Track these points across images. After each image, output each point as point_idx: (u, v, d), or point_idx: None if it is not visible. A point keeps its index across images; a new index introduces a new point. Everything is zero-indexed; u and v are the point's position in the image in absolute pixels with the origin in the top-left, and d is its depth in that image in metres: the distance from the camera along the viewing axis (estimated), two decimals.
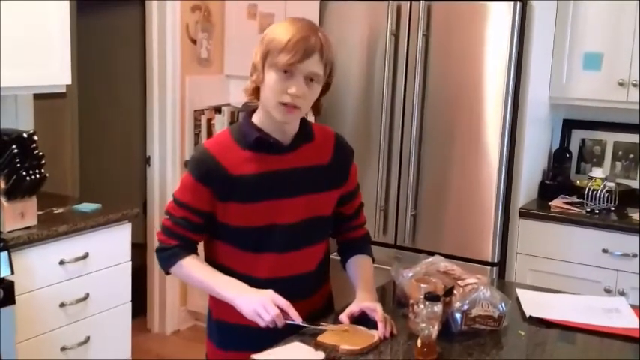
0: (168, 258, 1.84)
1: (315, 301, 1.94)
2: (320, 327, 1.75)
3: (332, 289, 2.05)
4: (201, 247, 1.90)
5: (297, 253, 1.85)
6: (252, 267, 1.82)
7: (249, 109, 1.86)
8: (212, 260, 1.87)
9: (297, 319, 1.71)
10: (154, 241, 4.08)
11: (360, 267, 1.97)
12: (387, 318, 1.78)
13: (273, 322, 1.68)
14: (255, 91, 1.78)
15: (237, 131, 1.82)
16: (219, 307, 1.86)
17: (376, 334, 1.72)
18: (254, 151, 1.78)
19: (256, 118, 1.82)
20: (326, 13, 3.36)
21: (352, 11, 3.33)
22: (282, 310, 1.70)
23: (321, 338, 1.70)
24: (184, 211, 1.79)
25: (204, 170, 1.77)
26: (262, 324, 1.69)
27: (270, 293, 1.72)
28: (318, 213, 1.86)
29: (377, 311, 1.78)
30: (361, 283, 1.91)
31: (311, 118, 1.93)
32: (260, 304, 1.69)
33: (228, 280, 1.79)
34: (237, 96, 4.26)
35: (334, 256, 2.02)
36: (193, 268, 1.82)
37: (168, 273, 1.88)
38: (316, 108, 1.83)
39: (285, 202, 1.80)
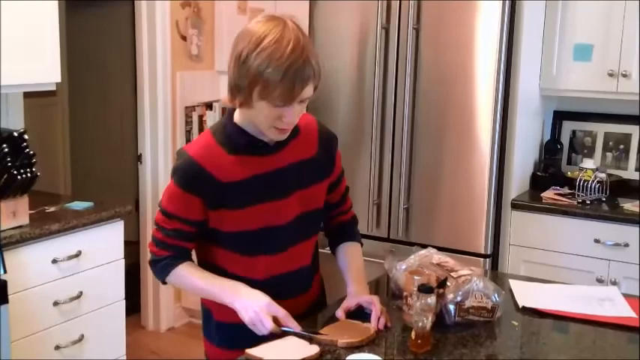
0: (163, 269, 1.79)
1: (312, 292, 1.94)
2: (318, 334, 1.71)
3: (322, 278, 2.04)
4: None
5: (293, 250, 1.82)
6: (250, 269, 1.78)
7: (231, 109, 1.77)
8: (210, 263, 1.82)
9: (295, 328, 1.68)
10: (147, 238, 4.08)
11: (350, 256, 1.95)
12: (383, 310, 1.78)
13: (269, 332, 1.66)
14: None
15: (220, 134, 1.74)
16: (218, 308, 1.81)
17: (371, 327, 1.73)
18: (241, 155, 1.72)
19: (240, 119, 1.74)
20: (316, 8, 3.36)
21: (342, 6, 3.33)
22: (278, 320, 1.67)
23: (317, 335, 1.70)
24: (175, 222, 1.73)
25: (191, 180, 1.70)
26: (259, 334, 1.67)
27: (264, 304, 1.67)
28: (310, 207, 1.83)
29: (374, 304, 1.78)
30: (352, 274, 1.90)
31: None
32: (256, 316, 1.65)
33: (223, 285, 1.75)
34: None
35: (326, 250, 2.03)
36: (188, 275, 1.78)
37: (165, 283, 1.83)
38: None
39: (278, 203, 1.75)
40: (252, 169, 1.72)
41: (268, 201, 1.74)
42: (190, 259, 1.81)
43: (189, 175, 1.70)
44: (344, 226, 2.01)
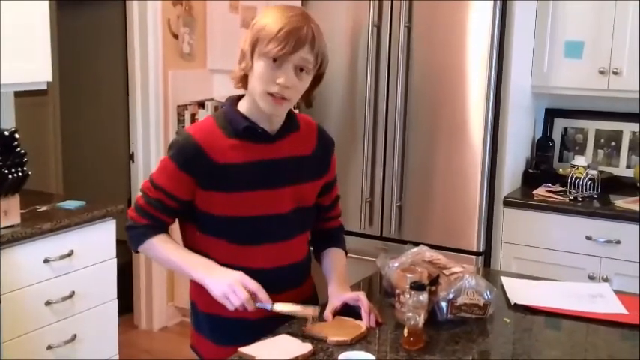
0: (138, 237, 1.81)
1: (305, 290, 1.94)
2: (296, 309, 1.73)
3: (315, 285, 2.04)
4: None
5: (284, 244, 1.83)
6: (238, 258, 1.78)
7: (234, 97, 1.83)
8: (195, 250, 1.82)
9: (267, 302, 1.69)
10: None
11: (334, 260, 1.96)
12: (372, 306, 1.78)
13: (242, 305, 1.66)
14: (243, 79, 1.75)
15: (222, 119, 1.78)
16: (206, 299, 1.81)
17: (363, 325, 1.73)
18: (240, 140, 1.75)
19: (242, 107, 1.79)
20: (308, 7, 3.35)
21: (334, 5, 3.33)
22: (251, 294, 1.68)
23: (308, 328, 1.70)
24: (160, 193, 1.76)
25: (188, 158, 1.73)
26: (231, 307, 1.67)
27: (238, 275, 1.70)
28: (303, 204, 1.85)
29: (362, 300, 1.78)
30: (335, 275, 1.91)
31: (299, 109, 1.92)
32: (229, 287, 1.67)
33: (197, 260, 1.77)
34: (221, 90, 4.25)
35: None
36: (163, 247, 1.80)
37: (137, 252, 1.86)
38: (307, 99, 1.82)
39: (272, 192, 1.78)
40: (250, 155, 1.75)
41: (262, 189, 1.76)
42: (167, 233, 1.83)
43: (186, 152, 1.74)
44: (332, 232, 2.03)
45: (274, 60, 1.66)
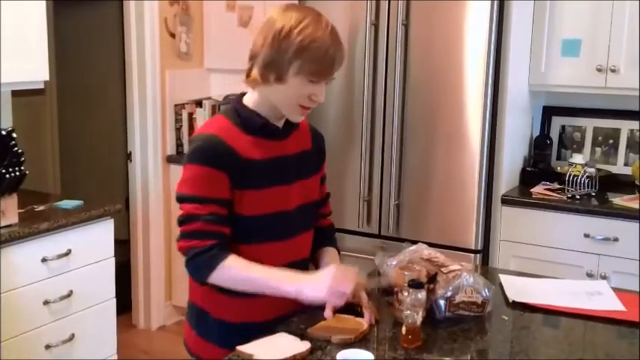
0: (208, 262, 1.67)
1: None
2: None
3: None
4: None
5: (296, 240, 1.85)
6: (256, 258, 1.75)
7: (239, 95, 1.82)
8: None
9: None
10: (137, 237, 4.07)
11: (331, 260, 1.96)
12: (369, 304, 1.78)
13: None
14: (258, 83, 1.72)
15: (235, 116, 1.76)
16: (218, 306, 1.80)
17: (364, 322, 1.73)
18: (255, 137, 1.75)
19: (251, 103, 1.77)
20: (306, 4, 3.35)
21: (332, 4, 3.32)
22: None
23: (311, 330, 1.70)
24: (210, 205, 1.67)
25: (217, 155, 1.68)
26: (338, 305, 1.71)
27: (331, 280, 1.68)
28: (309, 199, 1.88)
29: (361, 297, 1.78)
30: None
31: None
32: (328, 292, 1.67)
33: (281, 274, 1.72)
34: (218, 89, 4.24)
35: None
36: (241, 267, 1.69)
37: (204, 283, 1.72)
38: None
39: (286, 188, 1.80)
40: (265, 152, 1.77)
41: (280, 184, 1.78)
42: (231, 252, 1.72)
43: (214, 150, 1.69)
44: (324, 231, 2.03)
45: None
